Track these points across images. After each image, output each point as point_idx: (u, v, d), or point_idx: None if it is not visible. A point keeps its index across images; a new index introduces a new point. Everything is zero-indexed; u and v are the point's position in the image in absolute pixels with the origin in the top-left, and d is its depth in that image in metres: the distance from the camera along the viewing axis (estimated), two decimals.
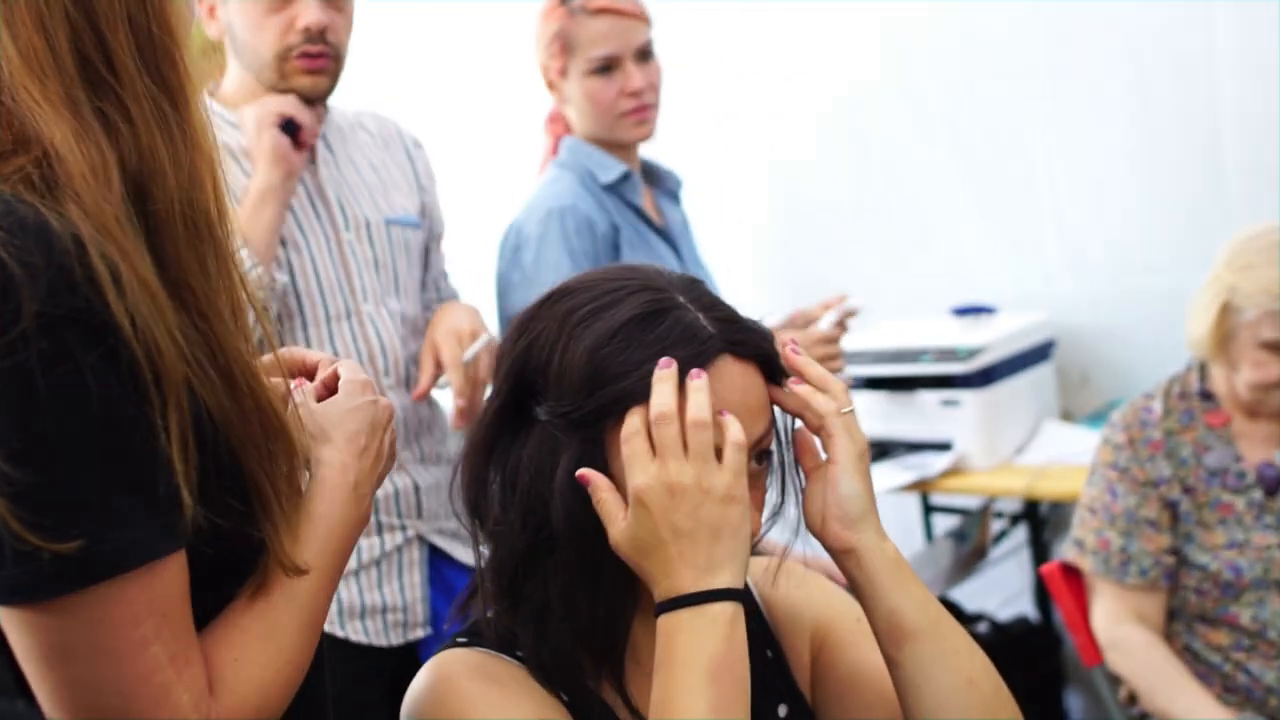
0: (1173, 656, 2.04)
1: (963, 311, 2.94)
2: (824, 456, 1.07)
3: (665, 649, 0.92)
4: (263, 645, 0.90)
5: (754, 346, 1.01)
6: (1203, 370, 2.10)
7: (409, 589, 1.87)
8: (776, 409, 1.04)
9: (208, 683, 0.86)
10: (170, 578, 0.83)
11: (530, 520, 0.99)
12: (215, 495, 0.86)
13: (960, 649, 1.03)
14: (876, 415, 2.80)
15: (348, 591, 1.81)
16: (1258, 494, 2.01)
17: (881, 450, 2.78)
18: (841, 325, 2.06)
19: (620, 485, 0.97)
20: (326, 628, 1.78)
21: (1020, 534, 3.03)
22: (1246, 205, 2.66)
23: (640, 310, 0.98)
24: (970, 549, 2.79)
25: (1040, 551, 2.93)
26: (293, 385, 1.05)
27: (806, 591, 1.18)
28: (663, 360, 0.96)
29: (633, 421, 0.95)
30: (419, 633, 1.87)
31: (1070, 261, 2.99)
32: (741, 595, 0.93)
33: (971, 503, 2.91)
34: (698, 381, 0.95)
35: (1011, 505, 3.00)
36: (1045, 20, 2.88)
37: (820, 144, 3.24)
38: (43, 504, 0.78)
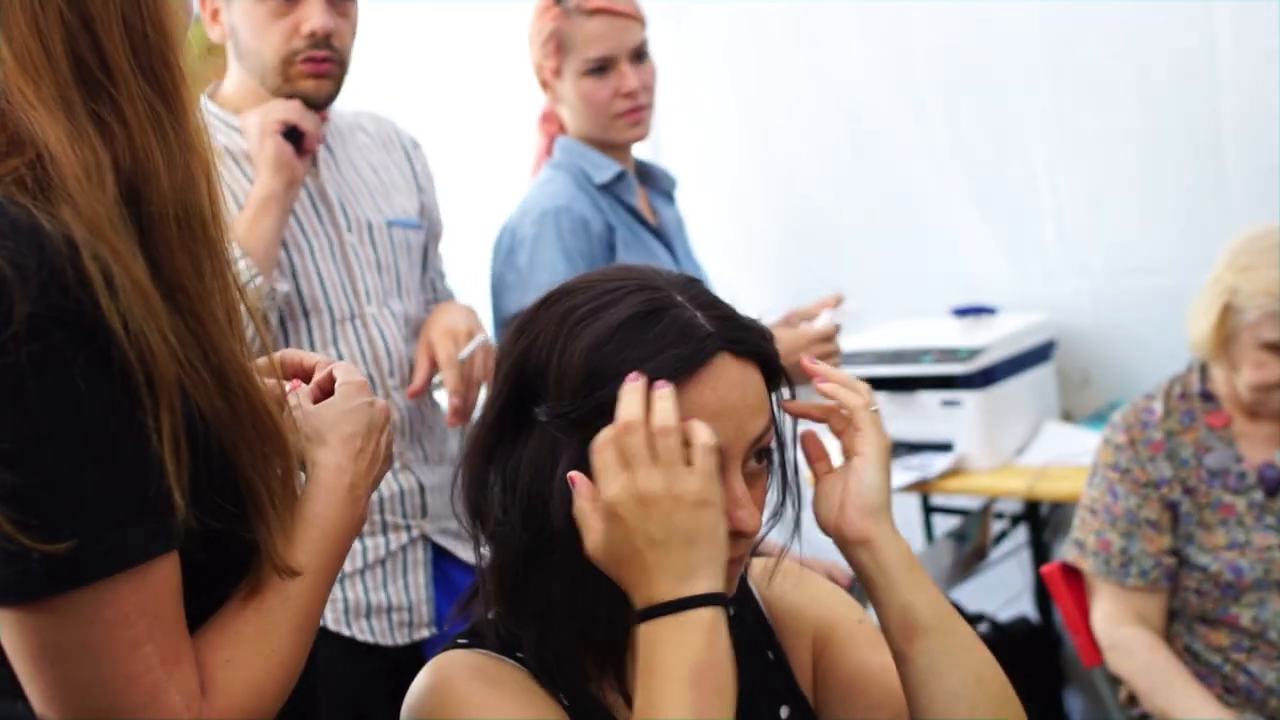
0: (1173, 657, 2.03)
1: (963, 312, 2.94)
2: (836, 462, 1.08)
3: (646, 658, 0.92)
4: (256, 646, 0.90)
5: (752, 345, 1.01)
6: (1204, 371, 2.10)
7: (414, 589, 1.87)
8: (775, 408, 1.04)
9: (200, 683, 0.86)
10: (162, 579, 0.83)
11: (531, 521, 0.99)
12: (207, 497, 0.86)
13: (970, 647, 1.04)
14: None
15: (353, 591, 1.81)
16: (1258, 495, 2.01)
17: None
18: (837, 326, 2.05)
19: None
20: (333, 627, 1.80)
21: (1021, 535, 3.02)
22: (1247, 206, 2.66)
23: (638, 309, 0.98)
24: (971, 549, 2.79)
25: (1041, 552, 2.92)
26: (288, 387, 1.05)
27: (807, 592, 1.18)
28: (631, 375, 0.96)
29: (604, 433, 0.95)
30: (424, 633, 1.88)
31: (1071, 262, 2.99)
32: (722, 599, 0.93)
33: (972, 503, 2.91)
34: (663, 390, 0.95)
35: (1012, 506, 3.00)
36: (1046, 20, 2.88)
37: (821, 144, 3.24)
38: (33, 505, 0.78)
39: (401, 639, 1.85)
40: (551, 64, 2.09)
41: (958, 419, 2.75)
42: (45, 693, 0.83)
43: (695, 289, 1.03)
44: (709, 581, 0.92)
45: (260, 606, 0.91)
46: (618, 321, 0.98)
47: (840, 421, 1.06)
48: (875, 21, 3.08)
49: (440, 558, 1.91)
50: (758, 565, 1.18)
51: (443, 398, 1.99)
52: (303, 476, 1.00)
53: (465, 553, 1.90)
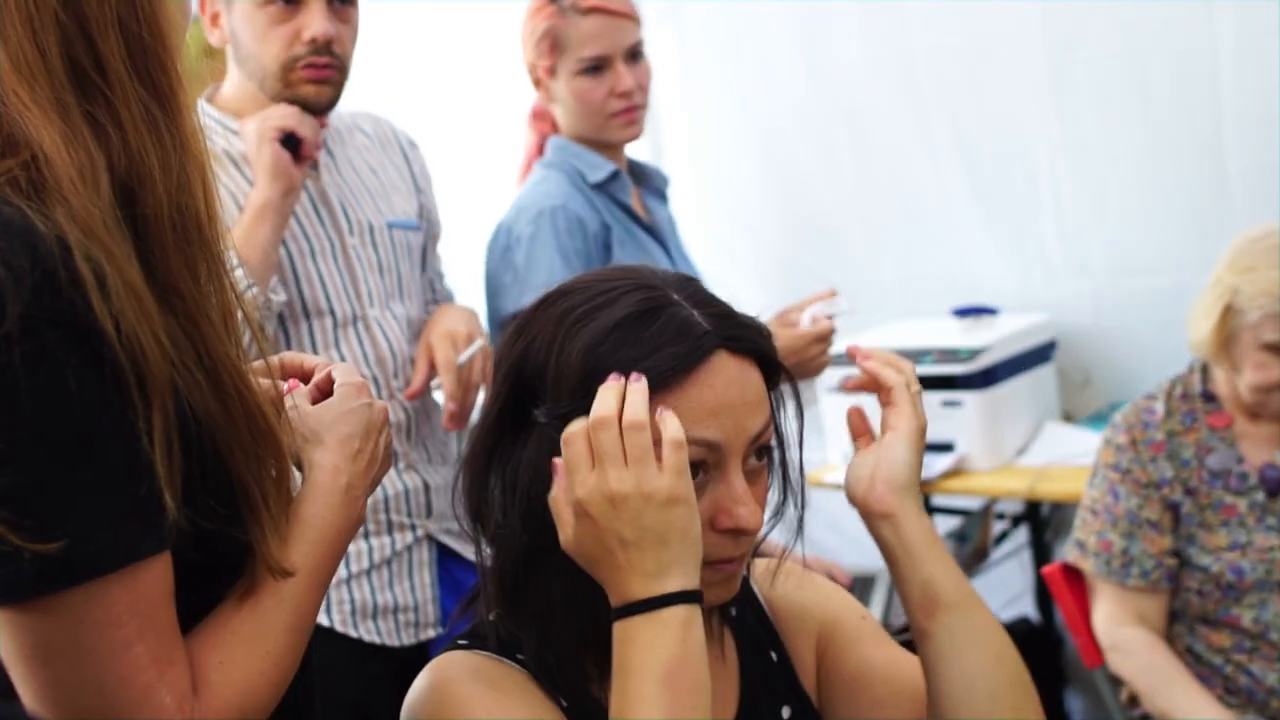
0: (1174, 658, 2.03)
1: (964, 312, 2.93)
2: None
3: (620, 656, 0.92)
4: (249, 647, 0.90)
5: (750, 342, 1.01)
6: (1205, 371, 2.10)
7: (419, 589, 1.87)
8: (774, 406, 1.04)
9: (192, 684, 0.86)
10: (154, 579, 0.84)
11: (531, 523, 0.99)
12: (200, 498, 0.86)
13: (989, 625, 1.05)
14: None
15: (360, 592, 1.82)
16: (1260, 495, 2.01)
17: None
18: (833, 330, 2.04)
19: None
20: (340, 628, 1.80)
21: (1021, 535, 3.02)
22: (1248, 206, 2.66)
23: (635, 309, 0.98)
24: (972, 550, 2.79)
25: (1041, 553, 2.92)
26: (286, 388, 1.05)
27: (809, 591, 1.18)
28: (612, 375, 0.95)
29: (575, 425, 0.94)
30: (430, 633, 1.88)
31: (1072, 262, 2.99)
32: (695, 597, 0.92)
33: (973, 504, 2.90)
34: (636, 384, 0.95)
35: (1013, 506, 3.00)
36: (1048, 21, 2.88)
37: (820, 144, 3.23)
38: (25, 505, 0.78)
39: (408, 639, 1.85)
40: (546, 63, 2.09)
41: (958, 419, 2.75)
42: (37, 692, 0.83)
43: (692, 287, 1.03)
44: (681, 579, 0.92)
45: (254, 607, 0.91)
46: (615, 321, 0.98)
47: (885, 396, 1.10)
48: (875, 21, 3.08)
49: (445, 557, 1.92)
50: (760, 565, 1.18)
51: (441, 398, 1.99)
52: (300, 477, 1.00)
53: (470, 552, 1.89)
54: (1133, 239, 2.90)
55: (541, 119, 2.19)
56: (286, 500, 0.96)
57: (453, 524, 1.91)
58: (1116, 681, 2.15)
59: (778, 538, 1.11)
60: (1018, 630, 2.94)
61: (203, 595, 0.91)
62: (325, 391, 1.07)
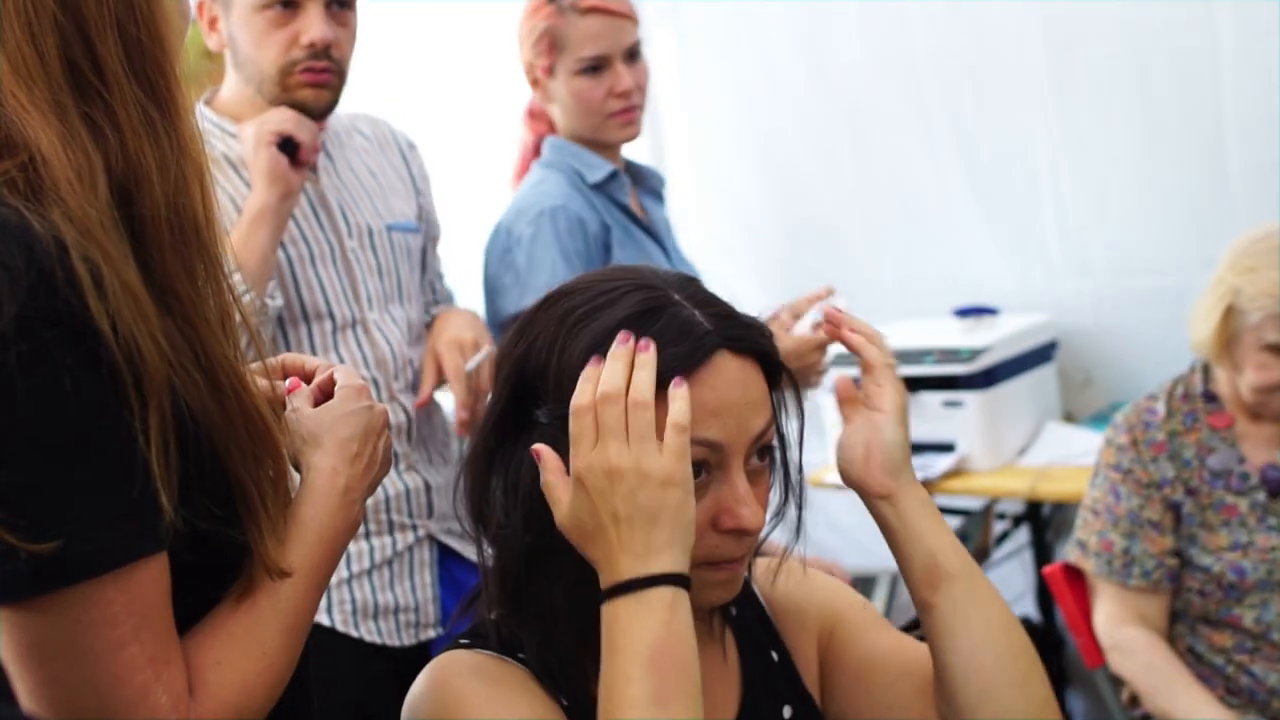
0: (1175, 658, 2.03)
1: (965, 312, 2.93)
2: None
3: (607, 637, 0.92)
4: (246, 648, 0.90)
5: (751, 342, 1.01)
6: (1206, 371, 2.10)
7: (420, 589, 1.87)
8: (776, 405, 1.04)
9: (188, 684, 0.86)
10: (150, 579, 0.84)
11: (533, 523, 0.99)
12: (197, 499, 0.86)
13: (993, 595, 1.05)
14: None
15: (361, 592, 1.82)
16: (1261, 496, 2.01)
17: None
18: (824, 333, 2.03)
19: None
20: (341, 628, 1.80)
21: (1022, 535, 3.02)
22: (1249, 206, 2.66)
23: (636, 309, 0.98)
24: (972, 550, 2.78)
25: (1042, 553, 2.92)
26: (286, 388, 1.06)
27: (809, 588, 1.18)
28: (621, 334, 0.96)
29: (583, 395, 0.94)
30: (431, 633, 1.88)
31: (1073, 262, 2.98)
32: (682, 580, 0.92)
33: (974, 504, 2.90)
34: (644, 356, 0.95)
35: (1014, 507, 3.00)
36: (1049, 21, 2.88)
37: (821, 144, 3.23)
38: (20, 504, 0.78)
39: (409, 639, 1.85)
40: (544, 62, 2.08)
41: (959, 419, 2.74)
42: (33, 691, 0.84)
43: (693, 287, 1.03)
44: (670, 561, 0.92)
45: (251, 608, 0.91)
46: (616, 321, 0.98)
47: (869, 373, 1.10)
48: (875, 21, 3.08)
49: (446, 557, 1.92)
50: (760, 565, 1.18)
51: (443, 398, 1.99)
52: (298, 479, 1.00)
53: (471, 552, 1.89)
54: (1133, 239, 2.90)
55: (538, 119, 2.18)
56: (284, 501, 0.96)
57: (454, 524, 1.91)
58: (1117, 682, 2.15)
59: (778, 537, 1.11)
60: None
61: (200, 596, 0.91)
62: (327, 393, 1.07)
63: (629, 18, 2.10)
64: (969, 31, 2.97)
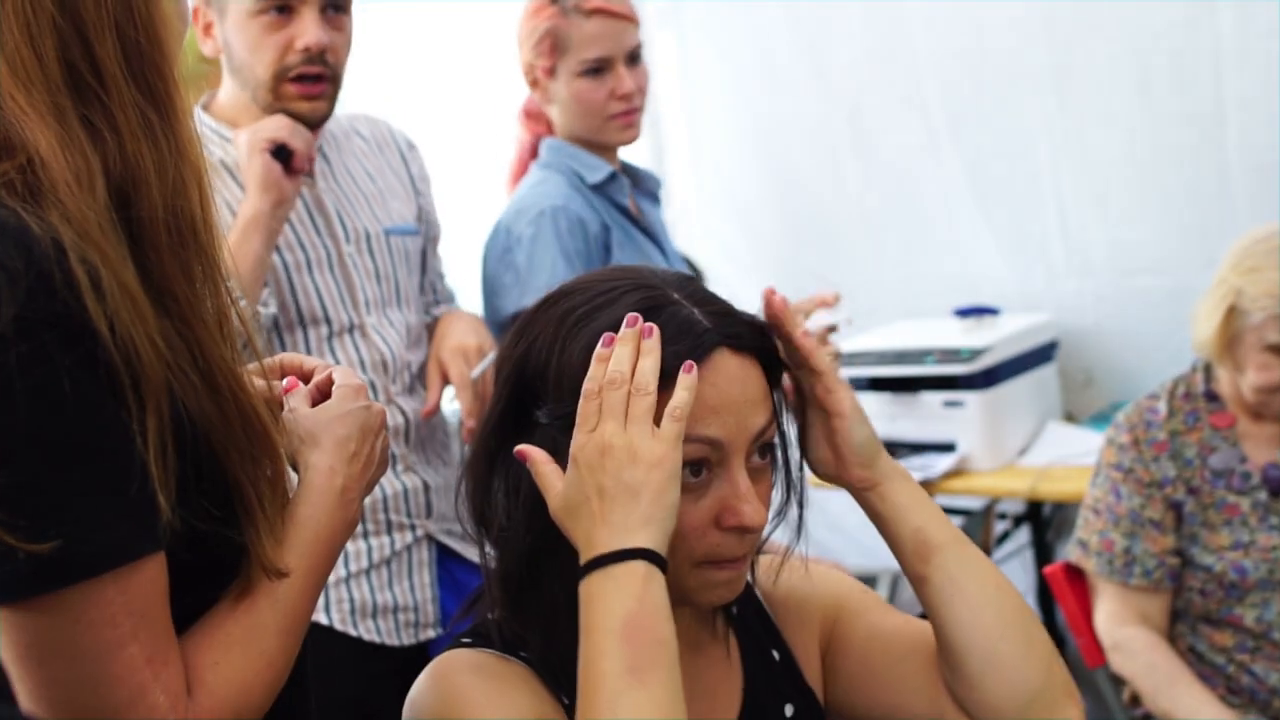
0: (1176, 657, 2.03)
1: (966, 312, 2.93)
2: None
3: (583, 614, 0.92)
4: (244, 648, 0.91)
5: (751, 339, 1.01)
6: (1208, 371, 2.09)
7: (419, 589, 1.87)
8: (777, 405, 1.04)
9: (186, 684, 0.87)
10: (148, 579, 0.84)
11: (535, 524, 0.99)
12: (195, 499, 0.87)
13: (982, 559, 1.06)
14: (879, 416, 2.80)
15: (359, 591, 1.81)
16: (1262, 495, 2.01)
17: (885, 451, 2.77)
18: (831, 327, 2.03)
19: None
20: (340, 627, 1.80)
21: (1023, 535, 3.02)
22: (1250, 206, 2.66)
23: (636, 307, 0.99)
24: None
25: (1043, 553, 2.92)
26: (284, 387, 1.06)
27: (809, 583, 1.18)
28: (630, 316, 0.97)
29: (594, 378, 0.95)
30: (430, 633, 1.88)
31: (1074, 262, 2.99)
32: (656, 557, 0.92)
33: (975, 504, 2.90)
34: (649, 343, 0.96)
35: (1014, 506, 3.00)
36: (1050, 20, 2.88)
37: (821, 144, 3.24)
38: (19, 505, 0.79)
39: (408, 639, 1.85)
40: (545, 63, 2.08)
41: (960, 419, 2.75)
42: (32, 691, 0.84)
43: (692, 286, 1.04)
44: (645, 537, 0.92)
45: (249, 608, 0.92)
46: (615, 320, 0.98)
47: (817, 380, 1.07)
48: (876, 21, 3.08)
49: (445, 557, 1.91)
50: (761, 564, 1.18)
51: (445, 404, 1.99)
52: (295, 478, 1.01)
53: (470, 552, 1.89)
54: (1134, 239, 2.90)
55: (536, 119, 2.18)
56: (282, 501, 0.96)
57: (453, 524, 1.91)
58: (1118, 681, 2.15)
59: (778, 537, 1.11)
60: None
61: (198, 596, 0.91)
62: (325, 392, 1.07)
63: (631, 20, 2.10)
64: (970, 31, 2.97)
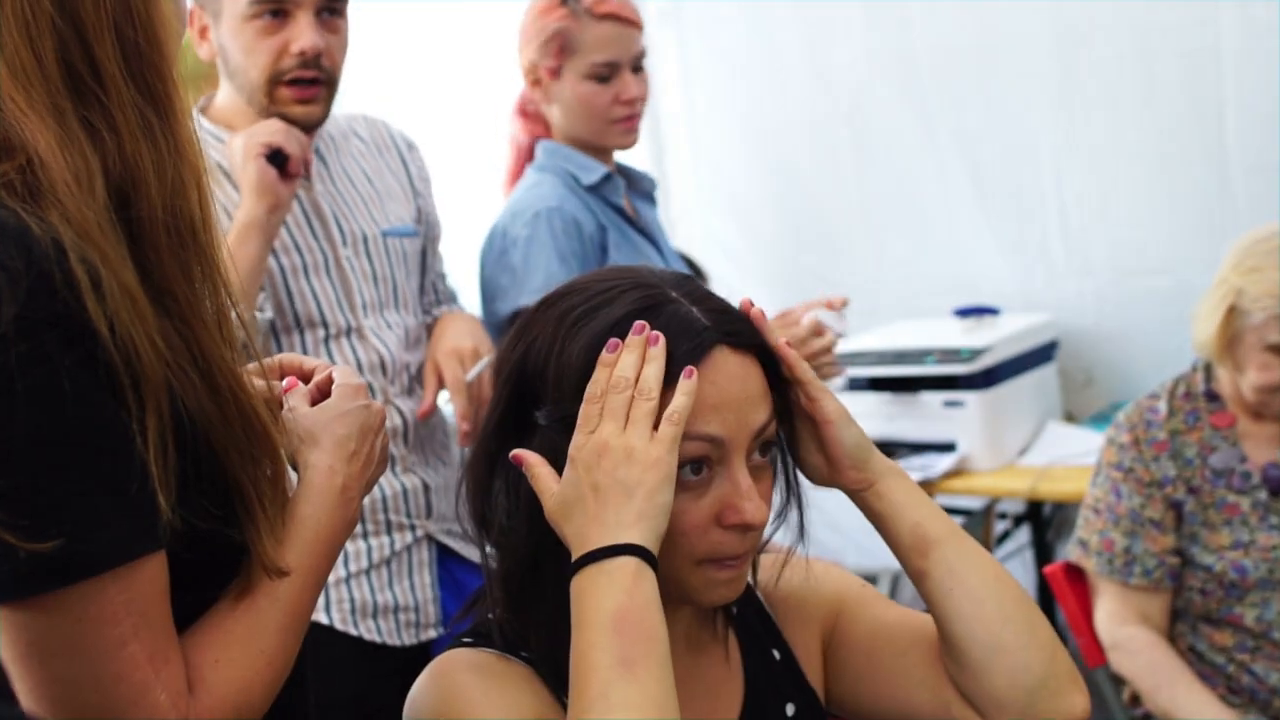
0: (1176, 657, 2.03)
1: (966, 312, 2.93)
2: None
3: (574, 610, 0.93)
4: (245, 647, 0.91)
5: (750, 337, 1.02)
6: (1208, 370, 2.09)
7: (420, 589, 1.87)
8: (779, 403, 1.04)
9: (187, 682, 0.87)
10: (149, 578, 0.85)
11: (535, 525, 0.99)
12: (195, 498, 0.87)
13: (981, 551, 1.06)
14: (879, 416, 2.80)
15: (360, 591, 1.81)
16: (1263, 495, 2.01)
17: (885, 451, 2.77)
18: (830, 330, 2.02)
19: None
20: (340, 627, 1.80)
21: (1023, 535, 3.02)
22: (1251, 206, 2.66)
23: (634, 306, 0.99)
24: None
25: (1043, 552, 2.92)
26: (284, 388, 1.06)
27: (809, 581, 1.18)
28: (637, 324, 0.97)
29: (598, 383, 0.96)
30: (431, 633, 1.87)
31: (1074, 262, 2.99)
32: (645, 553, 0.93)
33: (975, 504, 2.90)
34: (654, 350, 0.97)
35: (1015, 506, 3.00)
36: (1052, 20, 2.88)
37: (821, 144, 3.24)
38: (20, 504, 0.79)
39: (409, 639, 1.85)
40: (551, 63, 2.08)
41: (960, 419, 2.75)
42: (34, 690, 0.84)
43: (690, 285, 1.04)
44: (636, 534, 0.92)
45: (250, 607, 0.92)
46: (614, 319, 0.98)
47: (802, 389, 1.07)
48: (876, 20, 3.08)
49: (446, 557, 1.91)
50: (762, 565, 1.18)
51: (444, 405, 1.98)
52: (295, 477, 1.01)
53: (471, 552, 1.89)
54: (1135, 239, 2.90)
55: (534, 120, 2.18)
56: (282, 500, 0.96)
57: (453, 525, 1.91)
58: (1119, 681, 2.15)
59: (778, 538, 1.11)
60: None
61: (198, 595, 0.91)
62: (325, 392, 1.08)
63: (639, 27, 2.11)
64: (971, 31, 2.97)
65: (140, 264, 0.87)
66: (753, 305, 1.04)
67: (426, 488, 1.89)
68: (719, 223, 3.46)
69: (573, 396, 0.97)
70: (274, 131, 1.71)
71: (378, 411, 1.07)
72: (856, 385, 2.83)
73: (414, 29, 3.27)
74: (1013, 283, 3.04)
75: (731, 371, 0.99)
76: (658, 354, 0.96)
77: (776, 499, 1.07)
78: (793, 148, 3.29)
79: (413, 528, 1.87)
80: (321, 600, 1.68)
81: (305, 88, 1.76)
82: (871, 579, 2.71)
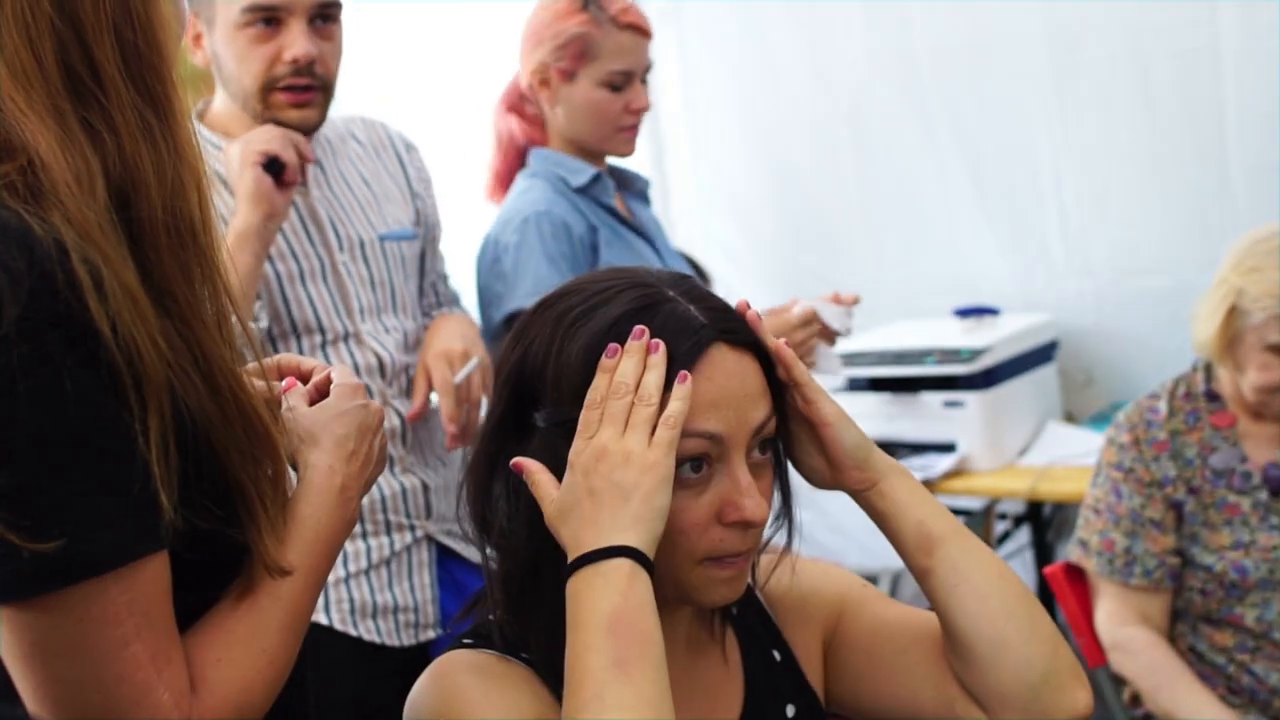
0: (1176, 657, 2.03)
1: (966, 313, 2.94)
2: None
3: (569, 613, 0.93)
4: (246, 646, 0.91)
5: (747, 334, 1.02)
6: (1208, 370, 2.09)
7: (419, 589, 1.86)
8: (778, 400, 1.04)
9: (190, 682, 0.87)
10: (151, 578, 0.85)
11: (535, 527, 0.99)
12: (196, 498, 0.87)
13: (984, 549, 1.06)
14: (879, 416, 2.80)
15: (359, 591, 1.81)
16: (1263, 495, 2.01)
17: (885, 451, 2.77)
18: (830, 327, 2.03)
19: None
20: (340, 627, 1.80)
21: (1023, 535, 3.02)
22: (1250, 206, 2.66)
23: (632, 306, 0.99)
24: None
25: (1043, 553, 2.92)
26: (283, 388, 1.07)
27: (807, 579, 1.18)
28: (636, 329, 0.97)
29: (598, 389, 0.96)
30: (430, 633, 1.87)
31: (1074, 262, 2.99)
32: (640, 556, 0.93)
33: (975, 504, 2.90)
34: (654, 357, 0.97)
35: (1015, 507, 3.00)
36: (1050, 21, 2.88)
37: (823, 145, 3.24)
38: (23, 504, 0.79)
39: (408, 640, 1.85)
40: (565, 66, 2.07)
41: (960, 420, 2.75)
42: (36, 690, 0.84)
43: (687, 284, 1.04)
44: (632, 537, 0.93)
45: (251, 606, 0.92)
46: (612, 319, 0.98)
47: (800, 391, 1.07)
48: (876, 20, 3.08)
49: (445, 558, 1.91)
50: (762, 565, 1.18)
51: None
52: (294, 477, 1.01)
53: (471, 553, 1.89)
54: (1135, 239, 2.90)
55: (532, 122, 2.17)
56: (283, 500, 0.97)
57: (453, 525, 1.91)
58: (1119, 681, 2.15)
59: (778, 539, 1.11)
60: None
61: (200, 595, 0.92)
62: (323, 392, 1.08)
63: (651, 39, 2.12)
64: (970, 31, 2.98)
65: (140, 265, 0.87)
66: (749, 307, 1.04)
67: (426, 488, 1.89)
68: (719, 223, 3.46)
69: (572, 397, 0.98)
70: (270, 139, 1.71)
71: (376, 411, 1.08)
72: (856, 385, 2.83)
73: (413, 30, 3.27)
74: (1013, 283, 3.05)
75: (730, 369, 0.99)
76: (658, 361, 0.96)
77: (776, 499, 1.07)
78: (792, 148, 3.29)
79: (412, 528, 1.87)
80: (321, 600, 1.67)
81: (300, 92, 1.76)
82: (872, 579, 2.71)
